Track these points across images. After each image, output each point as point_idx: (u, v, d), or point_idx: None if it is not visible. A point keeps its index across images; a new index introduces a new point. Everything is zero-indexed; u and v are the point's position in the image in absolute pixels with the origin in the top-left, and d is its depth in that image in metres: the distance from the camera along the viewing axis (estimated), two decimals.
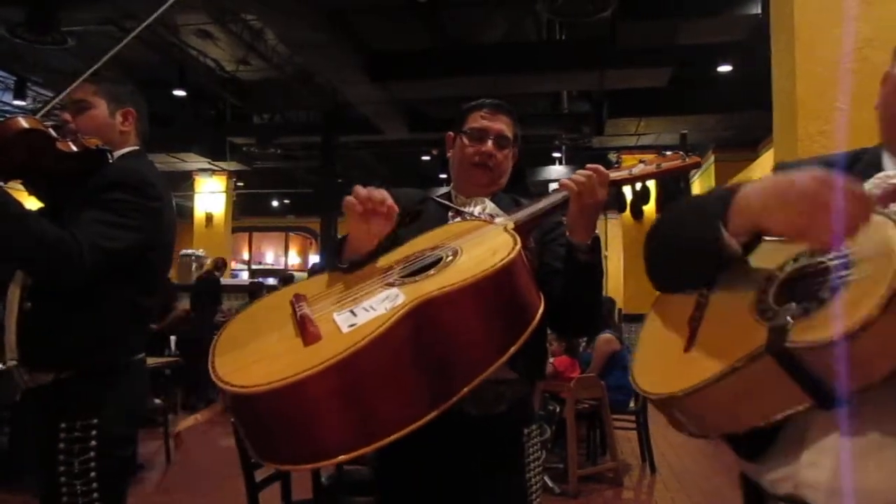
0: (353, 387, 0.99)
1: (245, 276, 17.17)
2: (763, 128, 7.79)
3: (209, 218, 13.58)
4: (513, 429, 1.55)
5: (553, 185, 9.76)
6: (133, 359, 1.81)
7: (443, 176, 12.43)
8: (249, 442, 1.08)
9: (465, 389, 1.09)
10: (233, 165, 12.89)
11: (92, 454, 1.66)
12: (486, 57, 8.28)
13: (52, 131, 1.68)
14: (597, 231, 1.46)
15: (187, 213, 13.87)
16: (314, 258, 20.34)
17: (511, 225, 1.33)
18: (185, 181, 13.68)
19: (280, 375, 0.96)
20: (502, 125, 1.68)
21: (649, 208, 8.52)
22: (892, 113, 0.99)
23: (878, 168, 0.97)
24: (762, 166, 8.90)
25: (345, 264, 1.35)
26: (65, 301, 1.66)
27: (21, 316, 1.65)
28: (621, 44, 7.25)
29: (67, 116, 1.84)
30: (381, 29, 8.11)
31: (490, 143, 1.65)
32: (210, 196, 13.63)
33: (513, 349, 1.13)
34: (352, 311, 1.10)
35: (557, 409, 4.84)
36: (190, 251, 12.55)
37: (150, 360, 2.43)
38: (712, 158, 11.04)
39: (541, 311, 1.21)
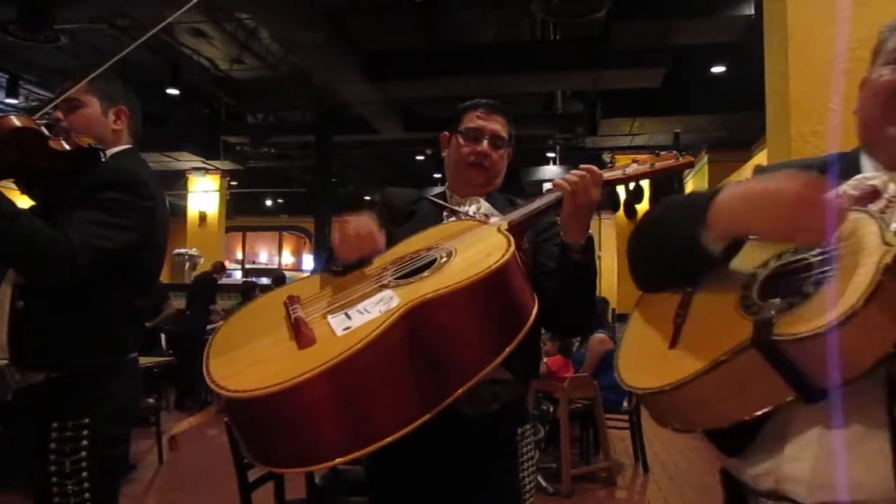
0: (348, 390, 0.99)
1: (239, 275, 17.12)
2: (756, 128, 7.80)
3: (203, 217, 13.54)
4: (506, 428, 1.55)
5: (547, 185, 9.78)
6: (126, 358, 1.81)
7: (437, 175, 12.42)
8: (245, 444, 1.08)
9: (461, 391, 1.09)
10: (226, 164, 12.86)
11: (83, 454, 1.65)
12: (481, 57, 8.29)
13: (44, 130, 1.66)
14: (590, 231, 1.46)
15: (181, 212, 13.83)
16: (308, 258, 20.32)
17: (505, 225, 1.33)
18: (178, 180, 13.64)
19: (275, 380, 0.96)
20: (497, 125, 1.68)
21: (643, 208, 8.53)
22: (870, 117, 1.00)
23: (857, 170, 0.99)
24: (758, 165, 8.92)
25: (338, 266, 1.35)
26: (57, 300, 1.65)
27: (13, 315, 1.64)
28: (615, 44, 7.27)
29: (59, 115, 1.83)
30: (376, 29, 8.10)
31: (485, 142, 1.66)
32: (203, 195, 13.59)
33: (508, 350, 1.13)
34: (346, 314, 1.10)
35: (551, 409, 4.85)
36: (183, 250, 12.52)
37: (143, 360, 2.42)
38: (706, 159, 11.08)
39: (535, 311, 1.21)
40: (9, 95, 9.37)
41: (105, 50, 7.66)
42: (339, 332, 1.05)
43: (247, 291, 8.90)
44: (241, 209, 17.61)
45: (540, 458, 4.38)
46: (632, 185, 1.46)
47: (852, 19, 2.15)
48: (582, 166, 1.40)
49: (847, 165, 1.02)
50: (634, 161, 1.45)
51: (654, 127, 10.30)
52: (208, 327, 7.64)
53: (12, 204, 1.55)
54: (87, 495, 1.65)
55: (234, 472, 2.38)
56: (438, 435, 1.26)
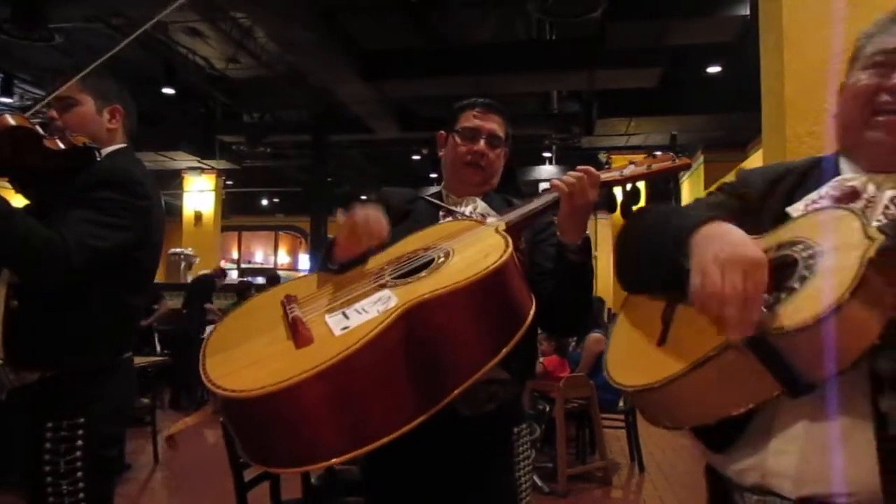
0: (345, 390, 0.99)
1: (234, 275, 17.10)
2: (752, 128, 7.83)
3: (198, 217, 13.51)
4: (502, 428, 1.55)
5: (543, 185, 9.78)
6: (120, 358, 1.80)
7: (433, 175, 12.42)
8: (241, 444, 1.08)
9: (458, 391, 1.09)
10: (222, 164, 12.82)
11: (78, 454, 1.65)
12: (477, 56, 8.29)
13: (38, 128, 1.66)
14: (587, 231, 1.47)
15: (176, 211, 13.80)
16: (304, 257, 20.30)
17: (503, 226, 1.33)
18: (173, 179, 13.61)
19: (272, 379, 0.95)
20: (494, 125, 1.68)
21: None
22: (849, 120, 1.02)
23: (837, 173, 1.01)
24: (751, 166, 8.94)
25: (335, 265, 1.35)
26: (52, 300, 1.64)
27: (7, 314, 1.64)
28: (611, 44, 7.28)
29: (54, 113, 1.82)
30: (372, 28, 8.09)
31: (482, 142, 1.66)
32: (199, 195, 13.56)
33: (505, 350, 1.13)
34: (344, 314, 1.10)
35: (547, 409, 4.85)
36: (179, 250, 12.50)
37: (138, 360, 2.41)
38: (701, 159, 11.10)
39: (532, 311, 1.21)
40: (3, 94, 9.33)
41: (99, 49, 7.59)
42: (337, 332, 1.05)
43: (242, 291, 8.90)
44: (236, 209, 17.58)
45: (536, 457, 4.39)
46: (629, 187, 1.46)
47: (847, 20, 2.15)
48: (579, 167, 1.40)
49: (826, 169, 1.04)
50: (631, 162, 1.45)
51: (650, 127, 10.31)
52: (208, 328, 7.61)
53: (7, 203, 1.54)
54: (81, 495, 1.64)
55: (230, 471, 2.38)
56: (435, 435, 1.26)
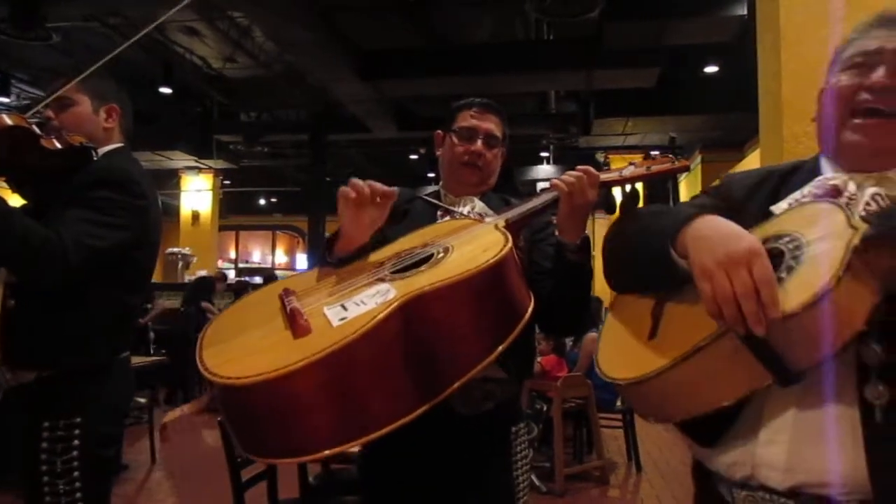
0: (342, 380, 0.99)
1: (232, 274, 17.09)
2: (749, 128, 7.84)
3: (195, 216, 13.50)
4: (500, 427, 1.55)
5: (541, 185, 9.78)
6: (118, 357, 1.80)
7: (431, 175, 12.42)
8: (236, 435, 1.07)
9: (455, 385, 1.09)
10: (219, 163, 12.81)
11: (75, 453, 1.64)
12: (475, 56, 8.29)
13: (35, 128, 1.65)
14: (586, 231, 1.47)
15: (173, 211, 13.79)
16: (302, 257, 20.28)
17: (502, 223, 1.34)
18: (171, 179, 13.59)
19: (270, 367, 0.95)
20: (492, 125, 1.68)
21: None
22: (829, 121, 1.04)
23: (819, 174, 1.03)
24: (748, 167, 8.95)
25: (334, 260, 1.35)
26: (49, 299, 1.64)
27: (4, 314, 1.63)
28: (608, 44, 7.28)
29: (50, 113, 1.82)
30: (370, 27, 8.09)
31: (480, 142, 1.66)
32: (196, 194, 13.55)
33: (502, 346, 1.14)
34: (342, 306, 1.10)
35: (544, 408, 4.85)
36: (176, 250, 12.49)
37: (135, 360, 2.41)
38: (699, 159, 11.11)
39: (531, 308, 1.22)
40: (0, 94, 9.31)
41: (97, 48, 7.63)
42: (335, 323, 1.05)
43: (240, 291, 8.91)
44: (234, 208, 17.56)
45: (533, 456, 4.39)
46: (628, 188, 1.46)
47: (845, 20, 2.15)
48: (579, 167, 1.41)
49: (808, 171, 1.06)
50: (631, 163, 1.45)
51: (647, 127, 10.32)
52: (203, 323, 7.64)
53: (4, 203, 1.54)
54: (78, 495, 1.64)
55: (227, 471, 2.38)
56: (432, 433, 1.26)
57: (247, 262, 20.69)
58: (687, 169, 1.48)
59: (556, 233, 1.47)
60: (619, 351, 1.02)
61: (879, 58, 0.98)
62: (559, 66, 8.15)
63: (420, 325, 1.06)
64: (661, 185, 1.44)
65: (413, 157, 13.65)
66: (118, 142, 1.91)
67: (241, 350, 1.06)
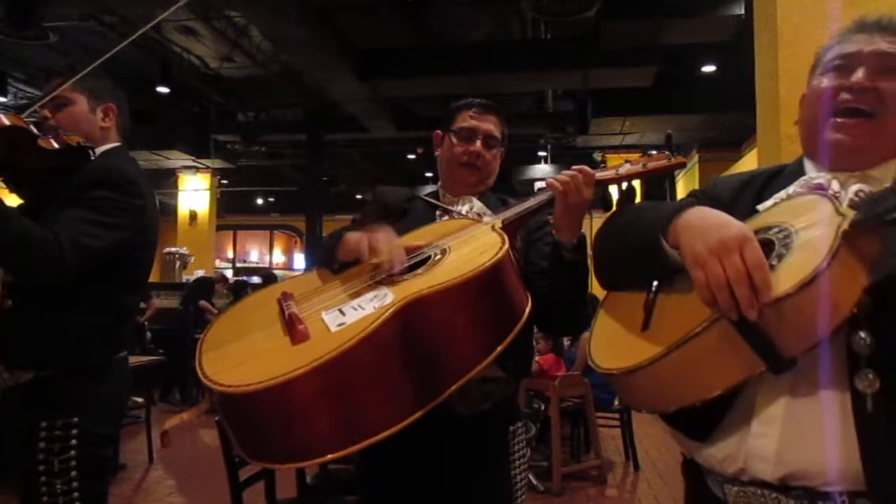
0: (341, 386, 0.99)
1: (229, 274, 17.08)
2: (747, 128, 7.86)
3: (193, 216, 13.48)
4: (498, 427, 1.55)
5: (538, 184, 9.79)
6: (115, 357, 1.80)
7: (429, 174, 12.42)
8: (236, 440, 1.07)
9: (454, 388, 1.09)
10: (217, 163, 12.80)
11: (72, 453, 1.64)
12: (472, 55, 8.29)
13: (33, 128, 1.65)
14: (583, 230, 1.47)
15: (171, 210, 13.76)
16: (299, 256, 20.27)
17: (499, 224, 1.34)
18: (168, 179, 13.57)
19: (269, 375, 0.95)
20: (491, 125, 1.68)
21: None
22: (812, 122, 1.07)
23: (802, 174, 1.06)
24: (746, 166, 8.97)
25: (336, 265, 1.35)
26: (46, 299, 1.64)
27: (2, 314, 1.63)
28: (605, 43, 7.29)
29: (47, 113, 1.81)
30: (367, 27, 8.09)
31: (479, 142, 1.66)
32: (194, 194, 13.53)
33: (500, 348, 1.14)
34: (340, 310, 1.10)
35: (542, 407, 4.85)
36: (174, 249, 12.47)
37: (132, 360, 2.40)
38: (696, 158, 11.12)
39: (528, 309, 1.22)
40: None
41: (94, 47, 7.63)
42: (333, 328, 1.05)
43: (238, 290, 8.90)
44: (231, 208, 17.55)
45: (531, 456, 4.39)
46: (624, 185, 1.46)
47: (841, 20, 2.16)
48: (574, 166, 1.41)
49: (792, 172, 1.09)
50: (627, 161, 1.45)
51: (644, 126, 10.33)
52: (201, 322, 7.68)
53: (2, 203, 1.53)
54: (75, 494, 1.64)
55: (225, 471, 2.37)
56: (430, 433, 1.26)
57: (244, 261, 20.67)
58: (683, 165, 1.48)
59: (553, 232, 1.47)
60: (612, 342, 1.03)
61: (858, 60, 1.02)
62: (556, 66, 8.16)
63: (418, 328, 1.06)
64: (659, 184, 1.45)
65: (410, 156, 13.65)
66: (115, 141, 1.91)
67: (240, 356, 1.06)
